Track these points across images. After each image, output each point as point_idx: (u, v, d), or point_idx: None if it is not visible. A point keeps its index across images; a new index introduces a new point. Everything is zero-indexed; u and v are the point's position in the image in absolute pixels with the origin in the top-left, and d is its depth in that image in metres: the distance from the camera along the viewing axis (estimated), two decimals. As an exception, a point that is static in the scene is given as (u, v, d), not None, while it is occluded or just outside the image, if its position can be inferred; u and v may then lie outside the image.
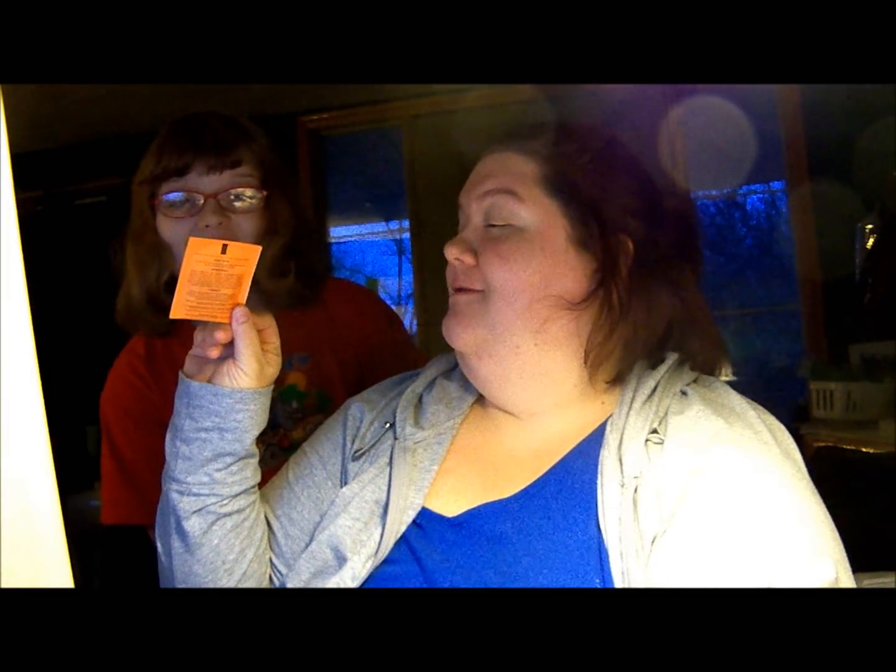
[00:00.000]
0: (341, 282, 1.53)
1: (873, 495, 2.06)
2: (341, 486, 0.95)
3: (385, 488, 0.90)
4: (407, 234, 4.10)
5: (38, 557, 0.53)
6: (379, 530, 0.87)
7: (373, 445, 0.96)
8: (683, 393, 0.87)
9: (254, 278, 1.19)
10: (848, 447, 2.41)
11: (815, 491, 0.80)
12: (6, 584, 0.51)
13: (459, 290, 0.90)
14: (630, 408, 0.85)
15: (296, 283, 1.28)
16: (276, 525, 0.97)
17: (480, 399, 0.96)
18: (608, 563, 0.76)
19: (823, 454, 2.46)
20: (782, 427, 0.85)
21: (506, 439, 0.92)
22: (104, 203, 3.80)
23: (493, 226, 0.89)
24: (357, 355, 1.37)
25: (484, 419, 0.95)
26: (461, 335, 0.89)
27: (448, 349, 0.96)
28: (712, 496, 0.76)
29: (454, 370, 1.01)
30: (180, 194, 1.21)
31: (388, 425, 0.96)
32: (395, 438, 0.94)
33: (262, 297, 1.24)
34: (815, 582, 0.72)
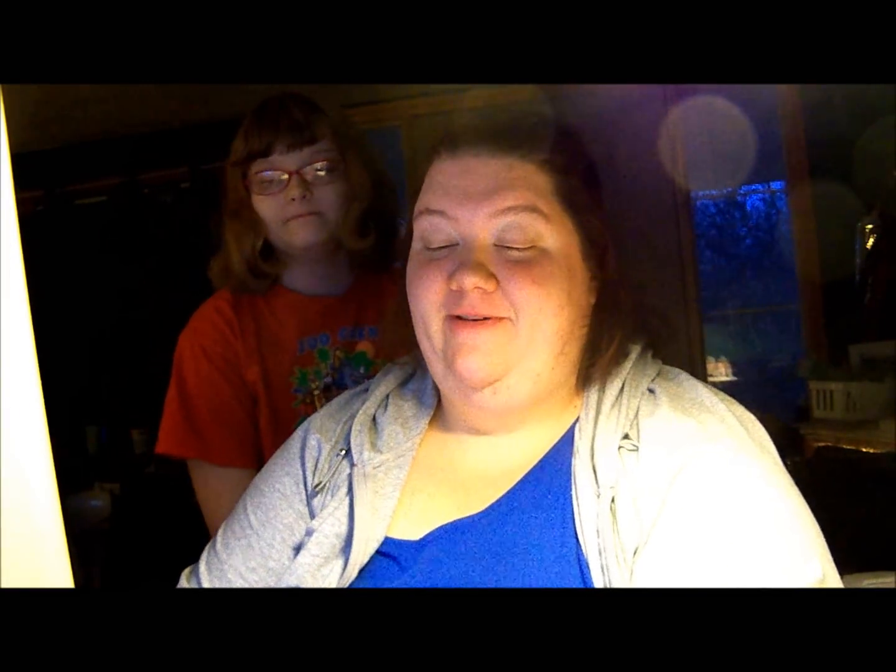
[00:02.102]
0: None
1: (873, 495, 2.06)
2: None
3: (346, 520, 0.85)
4: (407, 234, 4.08)
5: (38, 557, 0.53)
6: (341, 563, 0.83)
7: (331, 477, 0.90)
8: (651, 391, 0.84)
9: (339, 240, 1.32)
10: (848, 447, 2.41)
11: (793, 483, 0.78)
12: (6, 584, 0.51)
13: (478, 319, 0.81)
14: (598, 412, 0.82)
15: (377, 242, 1.36)
16: (254, 578, 0.90)
17: (437, 415, 0.92)
18: (590, 576, 0.74)
19: (823, 454, 2.47)
20: (753, 418, 0.83)
21: (474, 457, 0.87)
22: (104, 203, 3.79)
23: (511, 247, 0.81)
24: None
25: (446, 437, 0.90)
26: (489, 371, 0.81)
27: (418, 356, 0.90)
28: (691, 501, 0.74)
29: (406, 384, 0.96)
30: (268, 173, 1.32)
31: (343, 452, 0.91)
32: (353, 465, 0.88)
33: (348, 257, 1.38)
34: (803, 583, 0.71)
